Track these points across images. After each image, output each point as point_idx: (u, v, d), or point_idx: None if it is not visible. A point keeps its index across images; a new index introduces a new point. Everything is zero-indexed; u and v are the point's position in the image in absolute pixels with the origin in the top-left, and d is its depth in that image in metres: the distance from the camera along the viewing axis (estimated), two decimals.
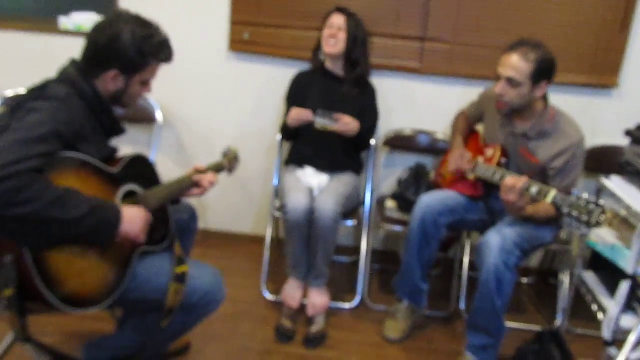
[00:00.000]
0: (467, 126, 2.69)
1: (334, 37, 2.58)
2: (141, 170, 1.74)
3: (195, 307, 1.74)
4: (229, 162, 2.18)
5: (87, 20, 2.92)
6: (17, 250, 1.35)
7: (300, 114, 2.53)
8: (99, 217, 1.43)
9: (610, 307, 2.06)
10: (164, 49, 1.67)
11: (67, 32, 2.94)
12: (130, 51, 1.58)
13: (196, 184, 1.93)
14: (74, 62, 1.62)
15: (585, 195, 1.90)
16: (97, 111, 1.62)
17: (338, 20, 2.58)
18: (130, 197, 1.65)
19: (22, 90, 1.54)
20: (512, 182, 2.05)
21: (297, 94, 2.74)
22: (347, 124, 2.49)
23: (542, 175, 2.26)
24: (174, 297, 1.67)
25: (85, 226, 1.39)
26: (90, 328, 2.31)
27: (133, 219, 1.54)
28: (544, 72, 2.14)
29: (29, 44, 2.99)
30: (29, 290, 1.38)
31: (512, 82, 2.13)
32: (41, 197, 1.30)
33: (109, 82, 1.62)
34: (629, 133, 2.30)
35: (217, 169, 2.08)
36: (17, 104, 1.47)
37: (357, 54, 2.63)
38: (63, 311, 1.42)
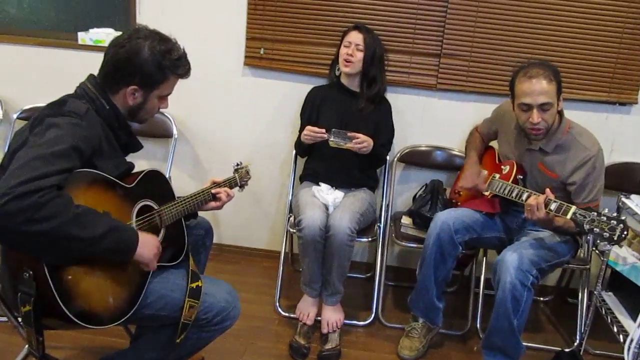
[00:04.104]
0: (481, 144, 2.68)
1: (352, 56, 2.57)
2: (155, 185, 1.74)
3: (209, 324, 1.73)
4: (240, 178, 2.17)
5: (105, 35, 2.95)
6: (35, 266, 1.35)
7: (314, 133, 2.50)
8: (117, 238, 1.43)
9: (632, 329, 2.01)
10: (182, 63, 1.68)
11: (85, 47, 2.97)
12: (149, 66, 1.59)
13: (214, 197, 1.93)
14: (92, 78, 1.63)
15: (606, 211, 1.87)
16: (115, 127, 1.63)
17: (356, 38, 2.58)
18: (145, 212, 1.65)
19: (40, 104, 1.54)
20: (534, 201, 2.04)
21: (311, 110, 2.74)
22: (361, 142, 2.46)
23: (562, 191, 2.23)
24: (188, 312, 1.66)
25: (102, 246, 1.39)
26: (104, 342, 2.30)
27: (147, 244, 1.53)
28: (561, 85, 2.16)
29: (48, 58, 3.02)
30: (46, 306, 1.37)
31: (544, 107, 2.12)
32: (61, 214, 1.30)
33: (127, 97, 1.63)
34: None
35: (230, 184, 2.08)
36: (36, 119, 1.48)
37: (374, 71, 2.62)
38: (79, 327, 1.42)
